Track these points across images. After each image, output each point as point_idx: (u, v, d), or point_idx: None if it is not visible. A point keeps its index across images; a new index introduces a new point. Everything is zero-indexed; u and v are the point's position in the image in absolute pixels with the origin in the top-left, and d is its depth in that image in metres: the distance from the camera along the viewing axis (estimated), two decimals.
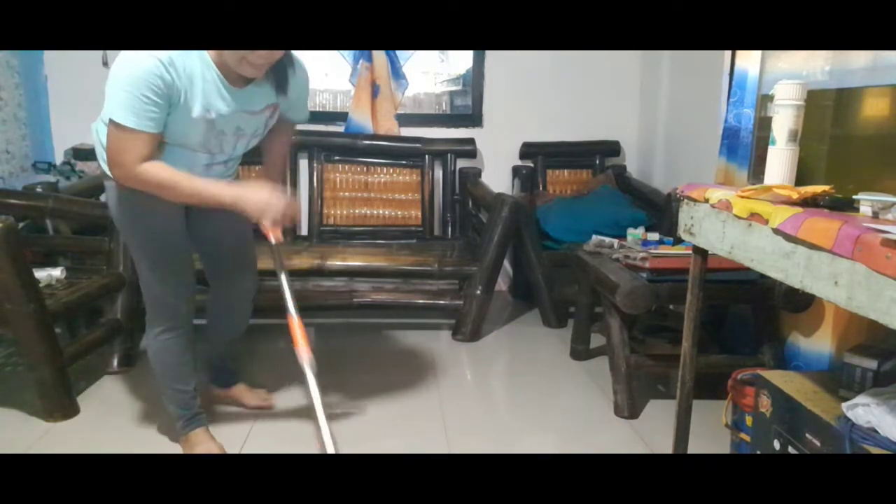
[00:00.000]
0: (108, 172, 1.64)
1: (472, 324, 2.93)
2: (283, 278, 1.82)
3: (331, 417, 2.19)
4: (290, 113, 1.85)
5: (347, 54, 3.51)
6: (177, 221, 1.79)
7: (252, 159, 3.60)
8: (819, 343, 2.09)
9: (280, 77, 1.69)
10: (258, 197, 1.68)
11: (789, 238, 1.21)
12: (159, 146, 1.59)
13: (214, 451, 1.90)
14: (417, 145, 3.52)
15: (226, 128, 1.65)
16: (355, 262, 2.88)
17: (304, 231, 3.51)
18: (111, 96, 1.50)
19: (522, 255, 3.25)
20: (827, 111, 2.11)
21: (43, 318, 2.05)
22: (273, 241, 1.76)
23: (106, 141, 1.55)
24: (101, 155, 1.69)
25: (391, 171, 3.54)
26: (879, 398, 1.32)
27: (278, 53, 1.59)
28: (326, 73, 3.69)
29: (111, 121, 1.50)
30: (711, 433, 1.96)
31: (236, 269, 2.02)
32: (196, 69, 1.54)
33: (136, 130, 1.49)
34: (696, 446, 1.80)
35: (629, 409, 2.23)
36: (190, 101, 1.55)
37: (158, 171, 1.56)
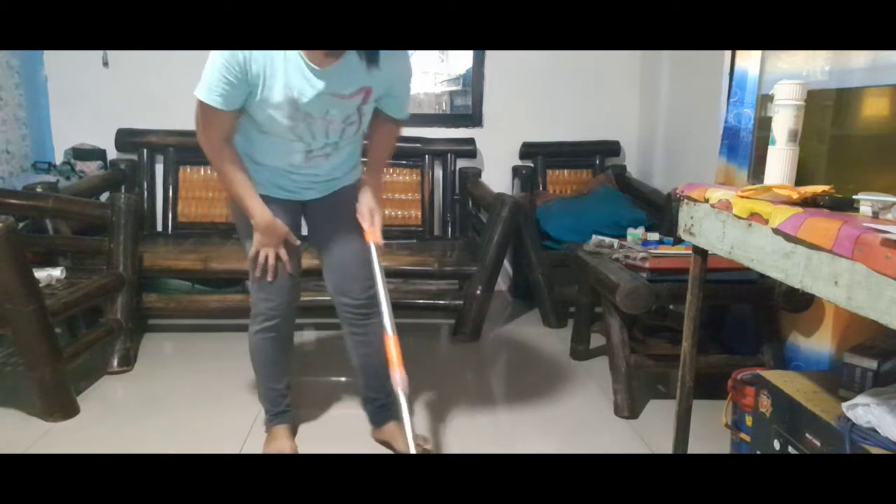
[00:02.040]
0: None
1: (472, 324, 2.93)
2: (381, 289, 1.73)
3: (331, 417, 2.20)
4: (386, 104, 1.72)
5: None
6: (285, 222, 1.76)
7: None
8: (819, 343, 2.09)
9: (372, 56, 1.57)
10: (274, 238, 1.74)
11: (789, 238, 1.21)
12: (260, 137, 1.66)
13: (286, 450, 1.91)
14: (417, 145, 3.52)
15: (313, 111, 1.59)
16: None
17: (304, 231, 3.51)
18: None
19: (522, 255, 3.25)
20: (827, 111, 2.11)
21: (43, 318, 2.05)
22: (371, 243, 1.78)
23: None
24: None
25: (391, 170, 3.54)
26: (879, 398, 1.32)
27: None
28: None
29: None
30: (711, 433, 1.96)
31: (345, 283, 1.86)
32: (278, 50, 1.53)
33: (206, 105, 1.58)
34: (696, 446, 1.80)
35: (629, 409, 2.23)
36: (270, 82, 1.54)
37: (225, 158, 1.65)
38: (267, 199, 1.72)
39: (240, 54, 1.51)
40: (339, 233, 1.83)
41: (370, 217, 1.79)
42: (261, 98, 1.57)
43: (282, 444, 1.92)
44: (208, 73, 1.56)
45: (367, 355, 1.92)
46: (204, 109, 1.61)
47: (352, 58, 1.56)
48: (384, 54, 1.58)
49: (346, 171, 1.83)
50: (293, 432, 2.01)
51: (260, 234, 1.73)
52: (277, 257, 1.76)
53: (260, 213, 1.70)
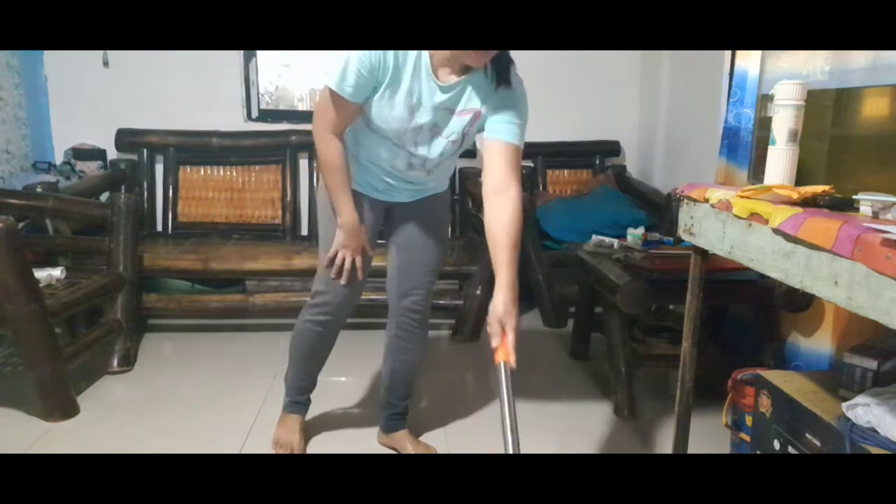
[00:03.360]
0: None
1: (472, 324, 2.93)
2: (508, 414, 1.53)
3: (331, 417, 2.20)
4: (491, 125, 1.60)
5: None
6: (367, 222, 1.77)
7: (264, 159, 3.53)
8: (819, 343, 2.09)
9: (502, 78, 1.59)
10: (354, 242, 1.74)
11: (789, 238, 1.21)
12: (369, 136, 1.66)
13: (293, 443, 1.94)
14: None
15: (424, 119, 1.60)
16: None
17: (304, 231, 3.51)
18: None
19: (522, 255, 3.24)
20: (827, 111, 2.11)
21: (43, 318, 2.05)
22: (502, 363, 1.55)
23: None
24: None
25: None
26: (879, 398, 1.32)
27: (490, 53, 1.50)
28: (326, 73, 3.69)
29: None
30: (711, 433, 1.96)
31: (410, 286, 1.87)
32: (412, 52, 1.54)
33: (335, 93, 1.57)
34: (696, 446, 1.79)
35: (629, 409, 2.23)
36: (395, 84, 1.56)
37: (332, 149, 1.65)
38: (357, 195, 1.74)
39: (377, 51, 1.53)
40: (419, 237, 1.84)
41: (500, 329, 1.56)
42: (382, 97, 1.57)
43: (289, 436, 1.96)
44: (343, 63, 1.55)
45: (403, 362, 1.93)
46: (332, 98, 1.60)
47: (477, 78, 1.57)
48: (514, 80, 1.60)
49: (441, 181, 1.84)
50: (304, 424, 2.02)
51: (344, 234, 1.73)
52: (353, 261, 1.77)
53: (349, 214, 1.71)
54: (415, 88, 1.56)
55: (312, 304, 1.85)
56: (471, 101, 1.60)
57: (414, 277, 1.86)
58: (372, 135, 1.66)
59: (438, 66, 1.55)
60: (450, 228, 1.91)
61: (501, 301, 1.54)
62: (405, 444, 1.97)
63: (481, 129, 1.62)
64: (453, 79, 1.56)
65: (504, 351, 1.54)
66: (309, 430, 2.08)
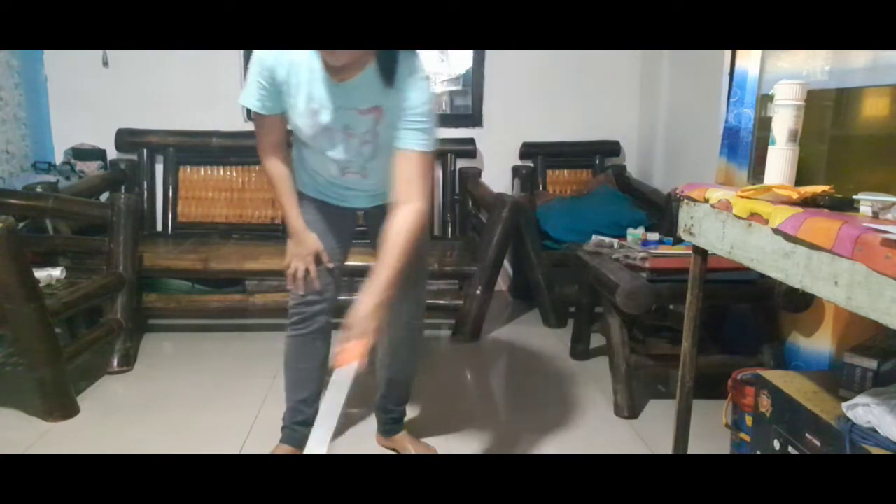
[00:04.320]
0: None
1: (472, 324, 2.93)
2: (330, 408, 1.46)
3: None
4: (395, 133, 1.53)
5: None
6: (320, 229, 1.75)
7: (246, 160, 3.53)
8: (819, 343, 2.09)
9: (388, 74, 1.50)
10: (303, 250, 1.72)
11: (789, 238, 1.21)
12: (303, 144, 1.67)
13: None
14: None
15: (333, 123, 1.57)
16: (355, 262, 2.86)
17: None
18: None
19: (522, 255, 3.25)
20: (827, 111, 2.11)
21: (43, 318, 2.05)
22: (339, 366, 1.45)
23: None
24: None
25: None
26: (879, 398, 1.32)
27: (355, 53, 1.45)
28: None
29: None
30: (711, 433, 1.96)
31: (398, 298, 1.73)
32: (304, 57, 1.52)
33: (252, 109, 1.60)
34: (696, 446, 1.79)
35: (629, 409, 2.23)
36: (295, 90, 1.55)
37: (268, 162, 1.68)
38: (314, 202, 1.74)
39: (268, 59, 1.52)
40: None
41: (347, 332, 1.46)
42: (289, 105, 1.58)
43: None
44: (248, 76, 1.58)
45: (400, 371, 1.92)
46: (252, 113, 1.63)
47: (370, 74, 1.51)
48: (401, 75, 1.50)
49: (375, 194, 1.76)
50: (297, 453, 1.88)
51: (292, 242, 1.74)
52: (308, 271, 1.74)
53: (293, 222, 1.72)
54: (315, 91, 1.54)
55: (289, 318, 1.83)
56: (368, 100, 1.53)
57: (399, 290, 1.78)
58: (303, 143, 1.66)
59: (328, 70, 1.51)
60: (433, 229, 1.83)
61: (365, 304, 1.46)
62: (406, 444, 1.97)
63: (391, 134, 1.55)
64: (348, 77, 1.51)
65: (341, 354, 1.45)
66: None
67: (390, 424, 1.99)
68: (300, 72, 1.53)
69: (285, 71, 1.53)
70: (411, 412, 2.22)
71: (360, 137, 1.59)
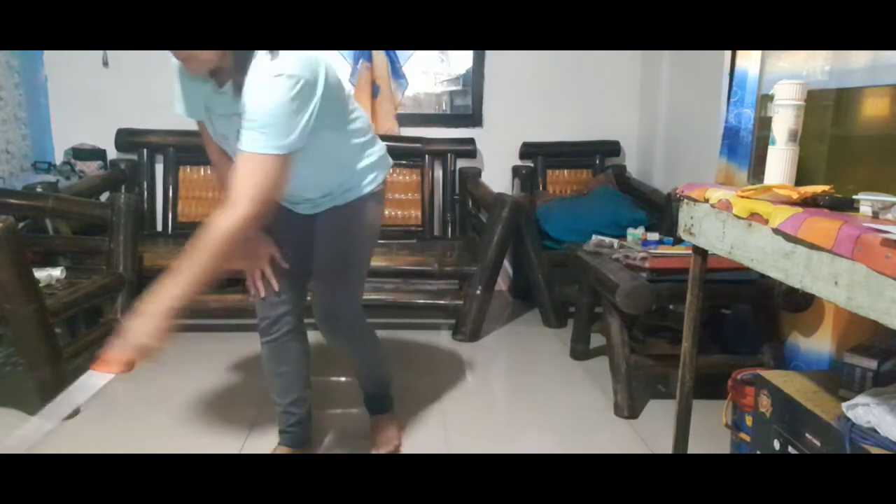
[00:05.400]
0: None
1: (472, 324, 2.93)
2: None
3: (331, 417, 2.20)
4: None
5: (347, 54, 3.51)
6: (278, 234, 1.74)
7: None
8: (819, 343, 2.09)
9: (235, 78, 1.43)
10: (256, 254, 1.75)
11: (789, 238, 1.21)
12: None
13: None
14: (417, 145, 3.52)
15: (223, 129, 1.56)
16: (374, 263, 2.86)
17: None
18: None
19: (522, 255, 3.25)
20: (827, 111, 2.11)
21: (43, 318, 2.05)
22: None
23: None
24: None
25: (391, 170, 3.53)
26: (879, 398, 1.32)
27: (197, 54, 1.39)
28: None
29: None
30: (711, 433, 1.96)
31: (318, 277, 1.79)
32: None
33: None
34: (696, 446, 1.79)
35: (629, 409, 2.23)
36: (194, 91, 1.55)
37: (220, 169, 1.69)
38: (280, 207, 1.70)
39: (174, 61, 1.50)
40: (318, 249, 1.76)
41: (122, 334, 1.38)
42: (195, 112, 1.62)
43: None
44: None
45: (354, 361, 1.97)
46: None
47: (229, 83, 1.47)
48: (249, 77, 1.40)
49: (324, 197, 1.71)
50: (297, 453, 1.90)
51: (245, 248, 1.69)
52: (264, 275, 1.75)
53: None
54: (210, 99, 1.53)
55: (258, 326, 1.82)
56: (234, 104, 1.45)
57: (315, 291, 1.78)
58: None
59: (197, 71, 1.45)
60: (373, 236, 1.82)
61: (145, 308, 1.40)
62: (377, 428, 2.01)
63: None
64: (222, 83, 1.47)
65: (105, 360, 1.37)
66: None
67: (367, 404, 2.04)
68: (192, 79, 1.50)
69: (185, 77, 1.53)
70: (413, 412, 2.22)
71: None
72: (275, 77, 1.39)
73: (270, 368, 1.84)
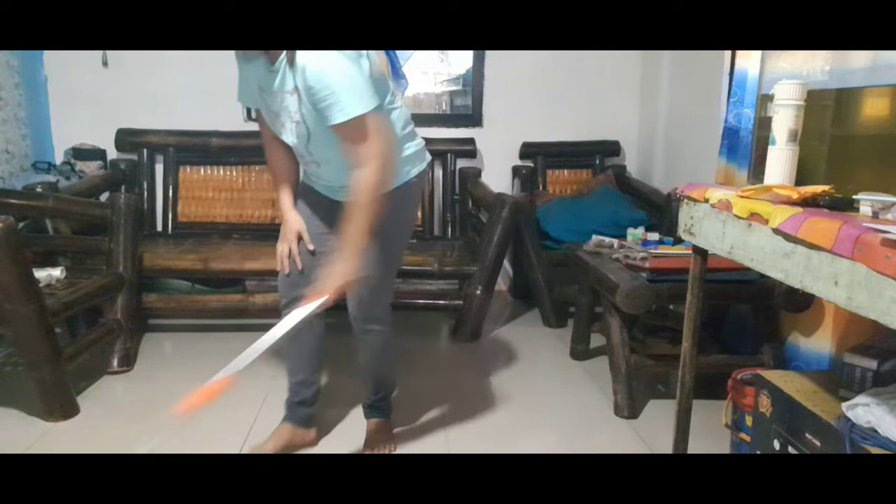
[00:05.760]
0: None
1: (472, 324, 2.93)
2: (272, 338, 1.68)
3: (332, 416, 2.20)
4: (320, 112, 1.56)
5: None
6: (307, 215, 1.87)
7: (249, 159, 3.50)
8: (819, 343, 2.09)
9: (290, 53, 1.54)
10: (287, 230, 1.88)
11: (789, 238, 1.21)
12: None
13: (276, 448, 1.92)
14: None
15: (273, 105, 1.66)
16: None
17: None
18: None
19: (522, 255, 3.25)
20: (827, 111, 2.11)
21: (43, 318, 2.05)
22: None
23: None
24: None
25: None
26: (879, 398, 1.32)
27: None
28: None
29: None
30: (711, 433, 1.96)
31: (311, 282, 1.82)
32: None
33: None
34: (696, 446, 1.80)
35: (629, 409, 2.23)
36: (246, 71, 1.71)
37: (270, 155, 1.85)
38: (311, 190, 1.86)
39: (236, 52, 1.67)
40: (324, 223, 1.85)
41: (316, 285, 1.61)
42: (249, 94, 1.73)
43: (273, 443, 1.94)
44: None
45: (365, 360, 1.97)
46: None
47: (284, 55, 1.56)
48: (303, 54, 1.51)
49: (337, 188, 1.78)
50: (299, 430, 1.99)
51: (282, 225, 1.88)
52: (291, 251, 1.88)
53: (280, 204, 1.89)
54: (263, 79, 1.63)
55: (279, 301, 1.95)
56: (290, 80, 1.57)
57: (311, 275, 1.81)
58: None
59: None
60: (405, 228, 1.89)
61: (333, 261, 1.61)
62: (369, 433, 2.01)
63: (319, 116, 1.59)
64: (274, 60, 1.58)
65: (309, 298, 1.62)
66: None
67: (366, 409, 2.05)
68: (246, 54, 1.66)
69: (240, 59, 1.68)
70: (412, 412, 2.22)
71: (293, 120, 1.64)
72: (325, 54, 1.51)
73: (286, 345, 1.88)
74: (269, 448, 1.93)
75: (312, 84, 1.51)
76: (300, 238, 1.86)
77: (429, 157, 1.90)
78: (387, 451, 1.98)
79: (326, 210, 1.84)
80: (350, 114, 1.51)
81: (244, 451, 1.97)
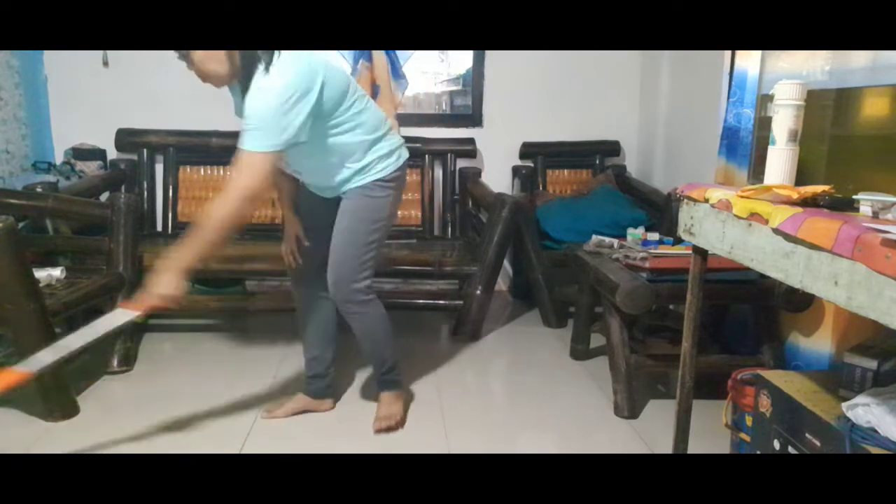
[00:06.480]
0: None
1: (472, 324, 2.93)
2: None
3: (332, 416, 2.20)
4: None
5: (347, 54, 3.51)
6: (303, 212, 2.06)
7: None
8: (819, 343, 2.09)
9: (242, 84, 1.70)
10: (286, 233, 2.10)
11: (789, 238, 1.21)
12: None
13: (287, 413, 2.15)
14: (417, 145, 3.51)
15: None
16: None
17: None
18: None
19: (522, 255, 3.25)
20: (827, 111, 2.11)
21: (43, 318, 2.05)
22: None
23: None
24: None
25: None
26: (879, 398, 1.32)
27: (206, 71, 1.69)
28: None
29: None
30: (711, 433, 1.96)
31: (331, 252, 1.99)
32: None
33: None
34: (696, 446, 1.79)
35: (629, 409, 2.23)
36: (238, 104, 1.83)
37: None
38: (307, 190, 2.04)
39: None
40: (335, 232, 1.97)
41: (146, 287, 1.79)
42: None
43: (281, 410, 2.16)
44: None
45: (359, 340, 2.10)
46: None
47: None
48: (256, 80, 1.65)
49: (341, 184, 1.93)
50: (313, 401, 2.20)
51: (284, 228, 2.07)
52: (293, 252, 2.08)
53: (280, 201, 2.10)
54: (238, 102, 1.79)
55: None
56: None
57: (329, 259, 1.98)
58: None
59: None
60: (374, 217, 1.99)
61: (163, 265, 1.78)
62: (380, 404, 2.15)
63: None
64: (243, 88, 1.71)
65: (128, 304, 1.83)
66: (310, 429, 2.08)
67: (376, 382, 2.19)
68: (232, 91, 1.83)
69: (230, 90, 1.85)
70: (413, 412, 2.22)
71: None
72: (267, 86, 1.64)
73: (300, 326, 2.17)
74: (281, 413, 2.15)
75: (245, 107, 1.68)
76: (298, 237, 2.07)
77: (406, 153, 2.05)
78: (393, 423, 2.10)
79: (323, 206, 2.00)
80: (246, 146, 1.69)
81: (244, 452, 1.97)
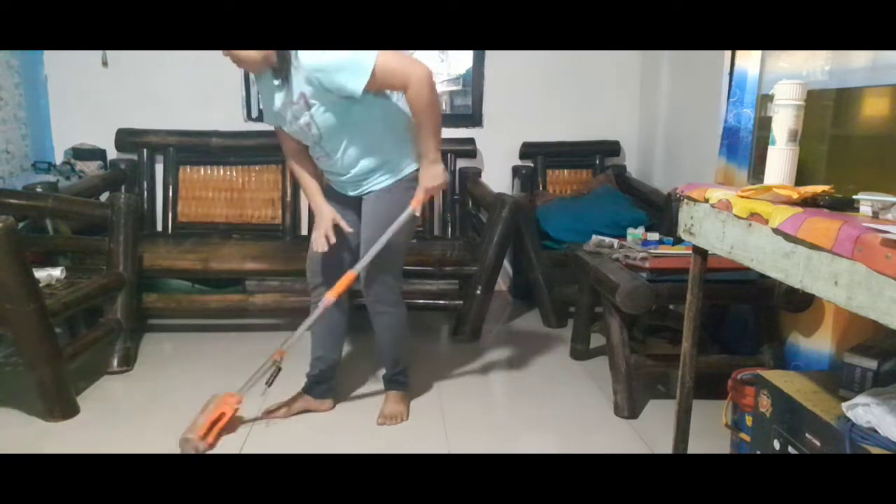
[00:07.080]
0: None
1: (472, 324, 2.93)
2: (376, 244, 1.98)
3: (332, 416, 2.20)
4: (340, 90, 1.78)
5: None
6: (339, 207, 2.06)
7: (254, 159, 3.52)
8: (819, 343, 2.09)
9: (282, 62, 1.77)
10: (321, 219, 2.06)
11: (789, 238, 1.21)
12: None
13: (287, 414, 2.16)
14: None
15: (286, 114, 1.88)
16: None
17: (304, 230, 3.51)
18: None
19: (522, 255, 3.25)
20: (827, 111, 2.11)
21: (43, 318, 2.05)
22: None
23: None
24: None
25: None
26: (879, 398, 1.32)
27: (241, 56, 1.75)
28: None
29: None
30: (711, 433, 1.96)
31: (363, 277, 2.07)
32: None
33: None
34: (696, 446, 1.80)
35: (629, 409, 2.23)
36: (267, 95, 1.92)
37: (294, 166, 2.09)
38: (332, 191, 2.09)
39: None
40: (364, 230, 2.04)
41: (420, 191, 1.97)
42: (268, 109, 1.95)
43: (282, 410, 2.17)
44: None
45: (380, 339, 2.18)
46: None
47: (285, 69, 1.79)
48: (303, 58, 1.74)
49: (368, 175, 1.99)
50: (314, 401, 2.21)
51: (316, 217, 2.08)
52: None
53: (312, 201, 2.07)
54: (274, 94, 1.86)
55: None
56: (294, 90, 1.80)
57: (365, 266, 2.03)
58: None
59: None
60: (403, 225, 2.04)
61: (424, 172, 1.98)
62: (386, 404, 2.20)
63: (331, 110, 1.82)
64: (278, 76, 1.81)
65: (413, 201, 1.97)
66: (310, 430, 2.08)
67: (385, 381, 2.25)
68: (263, 78, 1.86)
69: (256, 80, 1.92)
70: (413, 412, 2.22)
71: (305, 124, 1.86)
72: (314, 52, 1.71)
73: (314, 323, 2.14)
74: (282, 413, 2.16)
75: (319, 76, 1.74)
76: (335, 226, 2.05)
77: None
78: (396, 421, 2.15)
79: (350, 206, 2.06)
80: (364, 67, 1.72)
81: (244, 452, 1.97)
